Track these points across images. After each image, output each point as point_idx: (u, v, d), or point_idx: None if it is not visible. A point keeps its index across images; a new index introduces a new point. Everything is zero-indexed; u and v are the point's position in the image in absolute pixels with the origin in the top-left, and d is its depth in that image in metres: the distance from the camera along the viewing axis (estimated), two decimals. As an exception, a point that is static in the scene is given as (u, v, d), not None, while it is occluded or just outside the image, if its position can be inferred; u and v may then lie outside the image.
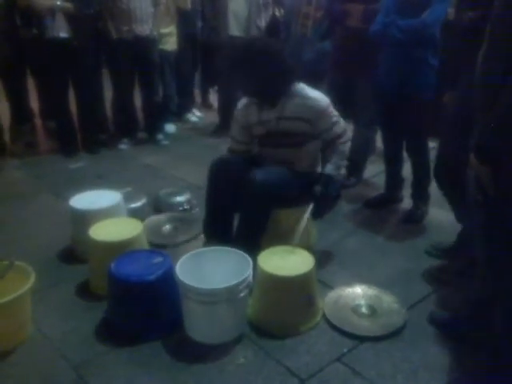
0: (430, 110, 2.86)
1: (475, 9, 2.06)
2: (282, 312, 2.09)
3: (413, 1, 2.70)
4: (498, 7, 1.41)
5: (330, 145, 2.50)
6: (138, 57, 4.21)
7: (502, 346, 1.67)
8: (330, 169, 2.46)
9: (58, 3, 3.74)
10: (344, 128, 2.53)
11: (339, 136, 2.49)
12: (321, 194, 2.40)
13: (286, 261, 2.15)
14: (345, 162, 2.54)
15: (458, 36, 2.29)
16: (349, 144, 2.54)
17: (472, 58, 1.55)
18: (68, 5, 3.78)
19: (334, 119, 2.47)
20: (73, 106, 4.27)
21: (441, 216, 3.05)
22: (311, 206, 2.39)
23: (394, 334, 2.07)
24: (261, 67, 2.31)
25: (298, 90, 2.44)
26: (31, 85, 4.49)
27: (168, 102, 4.83)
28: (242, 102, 2.56)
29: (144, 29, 4.12)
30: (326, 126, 2.46)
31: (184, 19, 4.73)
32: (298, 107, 2.41)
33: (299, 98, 2.42)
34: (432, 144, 3.04)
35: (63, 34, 3.84)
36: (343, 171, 2.58)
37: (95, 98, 4.35)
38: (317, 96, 2.44)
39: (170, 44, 4.59)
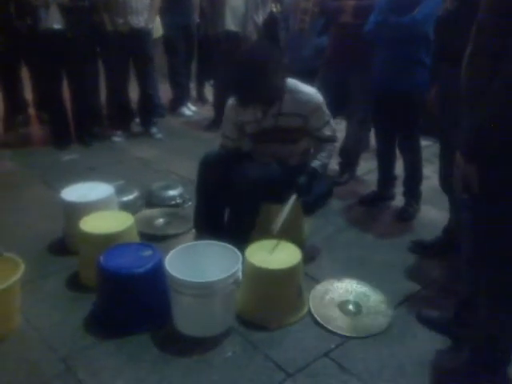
0: (423, 109, 2.87)
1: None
2: (270, 305, 2.10)
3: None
4: (484, 9, 1.42)
5: (318, 143, 2.52)
6: (133, 49, 4.19)
7: (484, 341, 1.69)
8: (316, 164, 2.48)
9: (53, -6, 3.73)
10: (334, 129, 2.56)
11: (329, 137, 2.52)
12: (304, 185, 2.40)
13: (274, 254, 2.16)
14: (329, 162, 2.59)
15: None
16: (336, 145, 2.59)
17: (451, 50, 1.56)
18: (63, -4, 3.76)
19: (326, 118, 2.49)
20: (67, 98, 4.25)
21: (432, 214, 3.07)
22: (294, 196, 2.38)
23: (377, 335, 2.08)
24: (264, 76, 2.27)
25: (292, 85, 2.43)
26: (26, 75, 4.47)
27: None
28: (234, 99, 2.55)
29: (139, 21, 4.10)
30: (318, 124, 2.47)
31: (178, 10, 4.70)
32: (295, 103, 2.41)
33: (294, 94, 2.41)
34: (424, 142, 3.05)
35: (57, 26, 3.81)
36: (326, 169, 2.62)
37: (89, 89, 4.33)
38: (311, 92, 2.45)
39: None
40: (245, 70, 2.29)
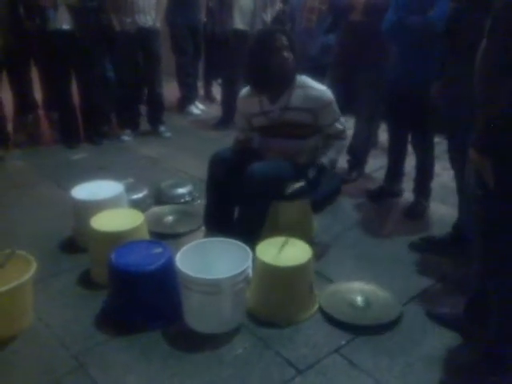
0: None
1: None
2: (280, 302, 2.11)
3: None
4: (499, 3, 1.41)
5: (328, 140, 2.53)
6: (141, 49, 4.22)
7: (495, 339, 1.68)
8: (324, 159, 2.48)
9: (61, -5, 3.75)
10: (344, 126, 2.57)
11: (339, 133, 2.53)
12: (311, 179, 2.40)
13: (284, 251, 2.16)
14: (338, 158, 2.61)
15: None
16: (346, 142, 2.61)
17: (455, 47, 1.56)
18: (71, -4, 3.78)
19: (336, 115, 2.50)
20: (76, 97, 4.28)
21: (442, 211, 3.06)
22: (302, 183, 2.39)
23: (388, 325, 2.08)
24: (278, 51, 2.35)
25: (302, 81, 2.46)
26: (35, 75, 4.49)
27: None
28: (244, 91, 2.57)
29: (147, 20, 4.12)
30: (328, 120, 2.48)
31: (185, 9, 4.71)
32: (304, 98, 2.43)
33: (304, 89, 2.44)
34: (437, 139, 3.04)
35: (66, 26, 3.85)
36: (335, 165, 2.64)
37: (98, 89, 4.35)
38: (322, 88, 2.47)
39: None
40: (260, 41, 2.40)
